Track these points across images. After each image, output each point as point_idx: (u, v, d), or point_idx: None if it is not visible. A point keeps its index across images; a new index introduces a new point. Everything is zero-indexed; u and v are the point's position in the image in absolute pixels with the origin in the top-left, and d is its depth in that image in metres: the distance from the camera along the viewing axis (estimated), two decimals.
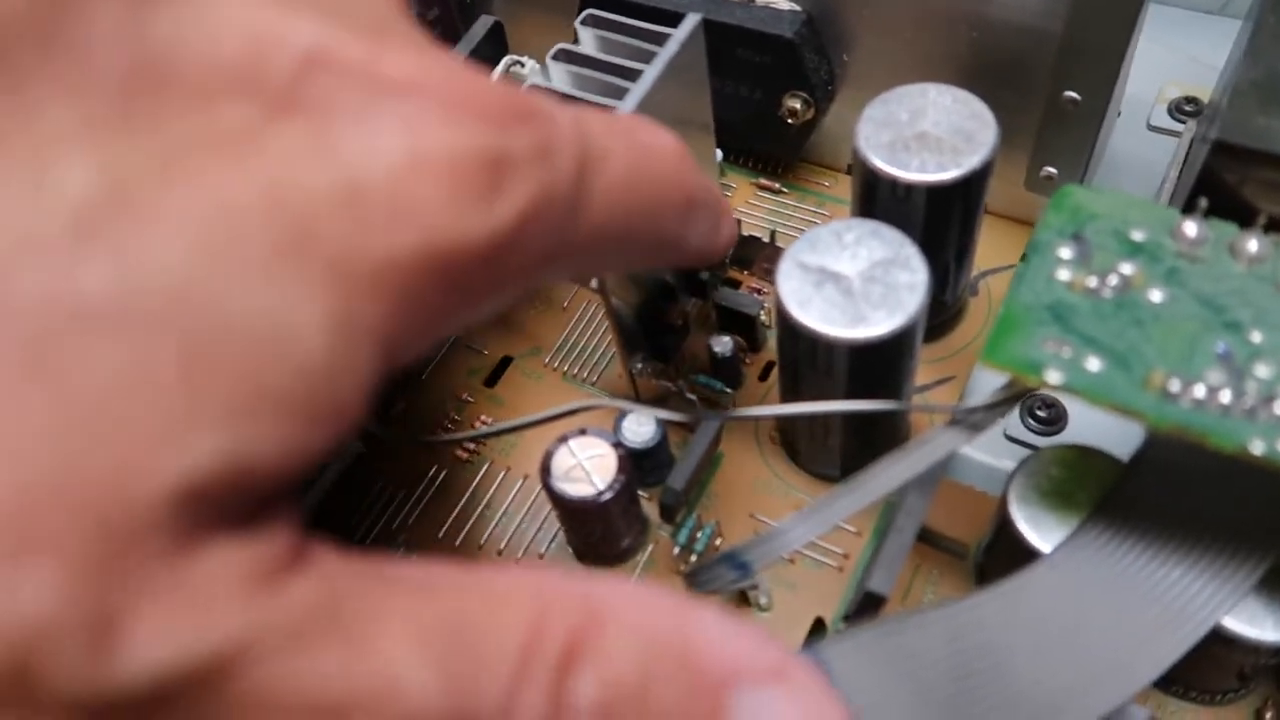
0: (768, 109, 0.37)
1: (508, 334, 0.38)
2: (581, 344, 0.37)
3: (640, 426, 0.31)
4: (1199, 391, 0.21)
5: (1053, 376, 0.22)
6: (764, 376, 0.35)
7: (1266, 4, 0.27)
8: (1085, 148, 0.33)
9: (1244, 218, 0.26)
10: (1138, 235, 0.24)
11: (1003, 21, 0.32)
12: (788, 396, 0.31)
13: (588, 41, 0.30)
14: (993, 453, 0.34)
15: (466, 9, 0.37)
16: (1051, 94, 0.32)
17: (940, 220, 0.30)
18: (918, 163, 0.29)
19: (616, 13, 0.36)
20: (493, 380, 0.37)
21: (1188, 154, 0.37)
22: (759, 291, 0.37)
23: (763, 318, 0.35)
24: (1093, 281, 0.23)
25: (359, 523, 0.34)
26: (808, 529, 0.23)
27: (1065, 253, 0.24)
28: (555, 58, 0.29)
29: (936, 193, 0.29)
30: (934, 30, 0.33)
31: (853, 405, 0.25)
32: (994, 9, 0.32)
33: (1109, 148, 0.41)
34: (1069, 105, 0.32)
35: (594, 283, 0.30)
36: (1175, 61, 0.44)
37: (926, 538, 0.32)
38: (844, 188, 0.40)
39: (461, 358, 0.38)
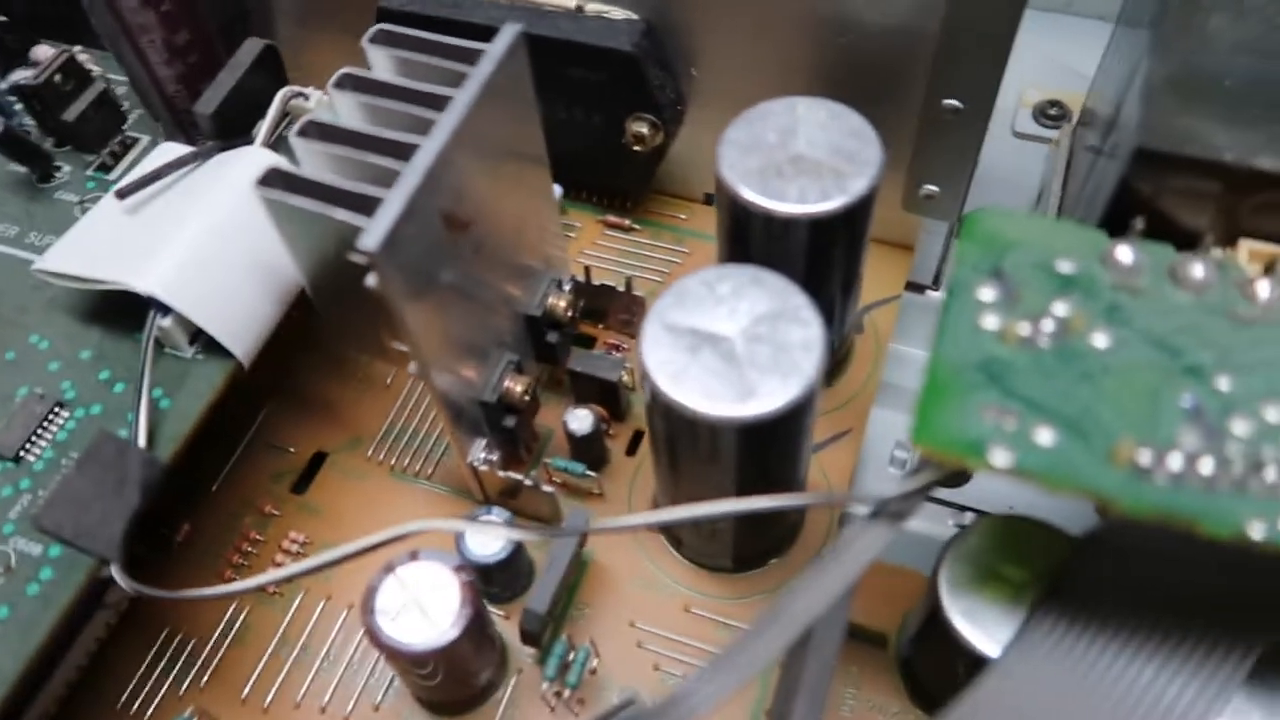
0: (610, 136, 0.32)
1: (319, 424, 0.31)
2: (411, 429, 0.31)
3: (488, 535, 0.25)
4: (1175, 462, 0.17)
5: (999, 458, 0.18)
6: (632, 450, 0.30)
7: None
8: (968, 161, 0.30)
9: (1161, 235, 0.23)
10: (1065, 266, 0.20)
11: (869, 23, 0.28)
12: (664, 480, 0.26)
13: (380, 64, 0.24)
14: None
15: (229, 30, 0.30)
16: (929, 103, 0.28)
17: (824, 255, 0.26)
18: (796, 191, 0.24)
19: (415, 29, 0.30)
20: (303, 484, 0.30)
21: (1068, 163, 0.34)
22: (617, 348, 0.32)
23: (625, 379, 0.30)
24: (1025, 328, 0.19)
25: (137, 690, 0.26)
26: (722, 685, 0.18)
27: (987, 294, 0.20)
28: (339, 85, 0.23)
29: (820, 224, 0.24)
30: (790, 36, 0.29)
31: (749, 504, 0.20)
32: (858, 8, 0.27)
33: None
34: (949, 114, 0.28)
35: (411, 365, 0.24)
36: (1030, 61, 0.42)
37: None
38: (703, 219, 0.35)
39: (263, 458, 0.30)
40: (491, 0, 0.31)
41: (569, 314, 0.29)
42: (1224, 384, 0.18)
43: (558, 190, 0.32)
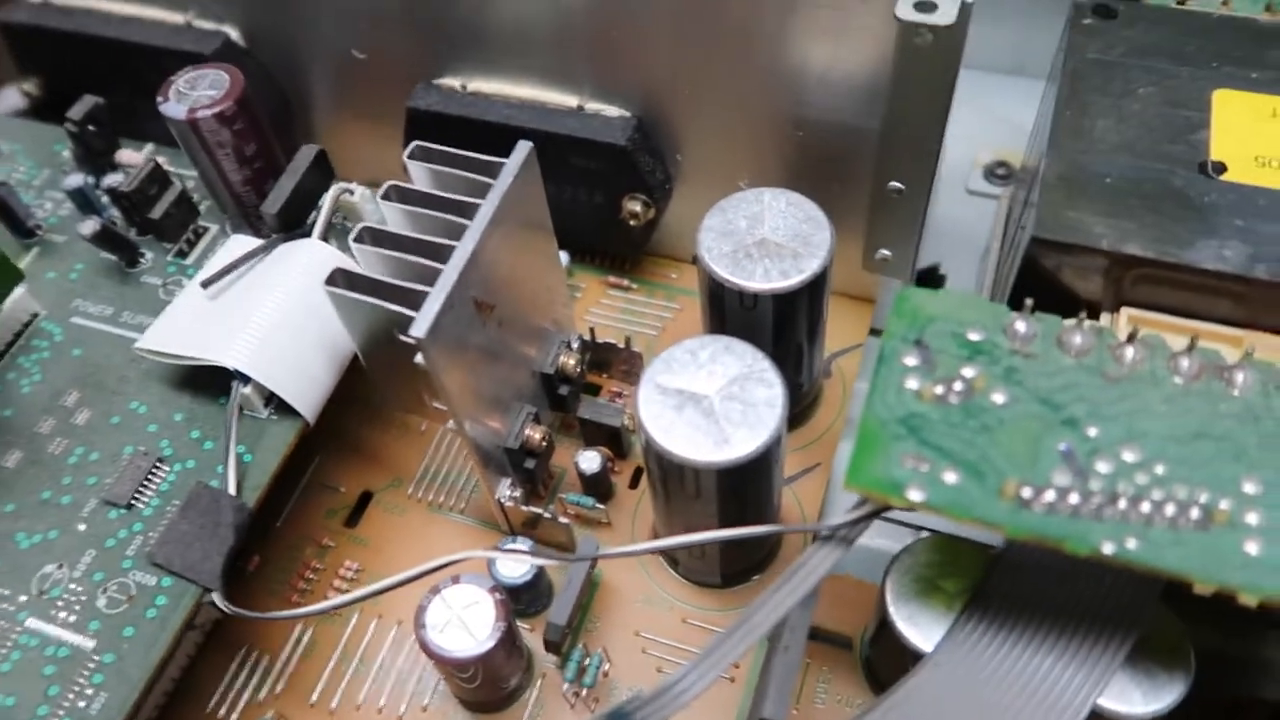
0: (609, 212, 0.37)
1: (365, 467, 0.36)
2: (445, 471, 0.36)
3: (515, 562, 0.30)
4: (1049, 496, 0.22)
5: (914, 495, 0.22)
6: (634, 484, 0.35)
7: (1061, 100, 0.29)
8: (913, 231, 0.35)
9: (1064, 301, 0.28)
10: (974, 335, 0.25)
11: (824, 122, 0.33)
12: (660, 512, 0.31)
13: (419, 176, 0.29)
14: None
15: (286, 136, 0.35)
16: (877, 186, 0.34)
17: (788, 320, 0.31)
18: (761, 270, 0.29)
19: (444, 129, 0.36)
20: (354, 519, 0.35)
21: (1007, 220, 0.39)
22: (619, 395, 0.37)
23: (627, 424, 0.35)
24: (939, 389, 0.24)
25: (223, 697, 0.31)
26: (700, 676, 0.22)
27: (910, 360, 0.25)
28: (386, 196, 0.28)
29: (782, 297, 0.29)
30: (761, 131, 0.34)
31: (726, 534, 0.25)
32: (814, 111, 0.33)
33: (934, 214, 0.43)
34: (894, 194, 0.33)
35: (450, 421, 0.29)
36: (983, 123, 0.47)
37: (810, 634, 0.32)
38: (691, 278, 0.40)
39: (317, 498, 0.36)
40: (505, 101, 0.36)
41: (577, 369, 0.34)
42: (1092, 432, 0.23)
43: (565, 257, 0.37)
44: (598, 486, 0.34)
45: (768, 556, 0.33)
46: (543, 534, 0.33)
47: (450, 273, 0.26)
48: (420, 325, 0.25)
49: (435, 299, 0.25)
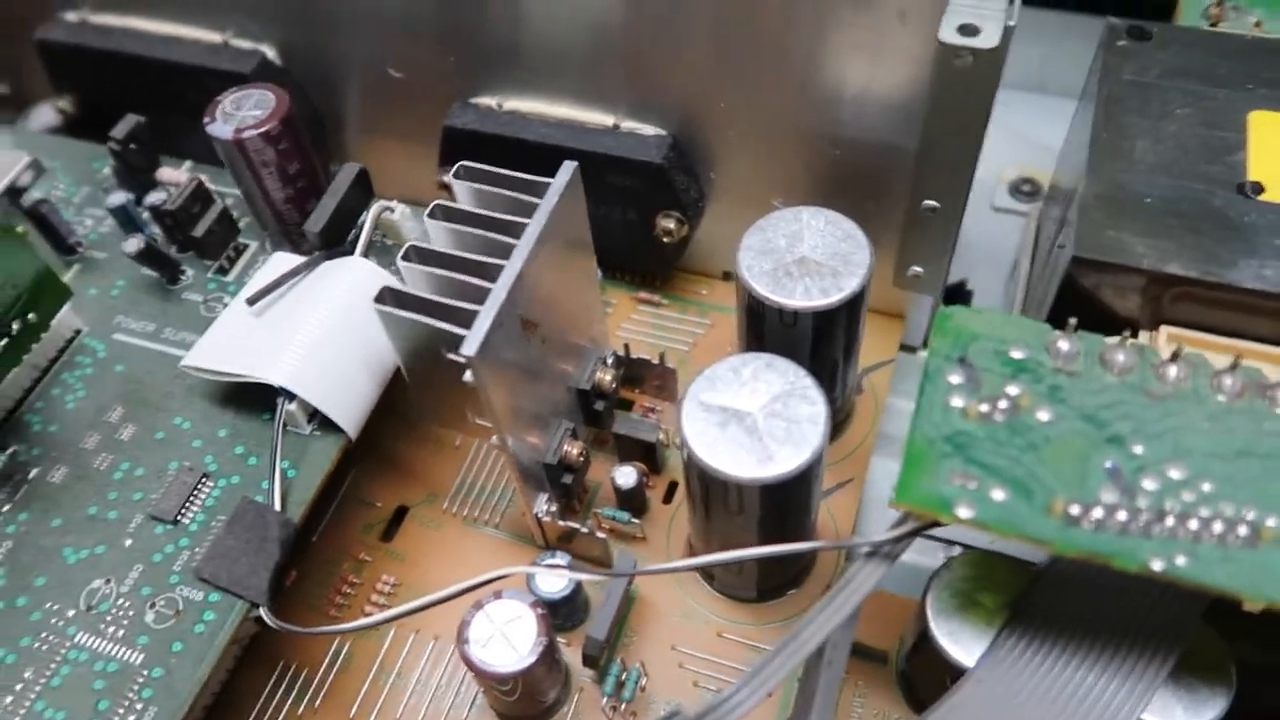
0: (642, 229, 0.38)
1: (400, 482, 0.36)
2: (479, 485, 0.36)
3: (554, 577, 0.31)
4: (1097, 513, 0.22)
5: (963, 512, 0.23)
6: (668, 498, 0.35)
7: (1098, 121, 0.29)
8: (946, 248, 0.35)
9: (1102, 319, 0.28)
10: (1017, 353, 0.25)
11: (859, 141, 0.33)
12: (698, 527, 0.31)
13: (463, 195, 0.29)
14: None
15: (320, 154, 0.36)
16: (911, 203, 0.34)
17: (827, 337, 0.31)
18: (802, 289, 0.30)
19: (480, 148, 0.36)
20: (390, 534, 0.35)
21: (1037, 238, 0.39)
22: (652, 410, 0.37)
23: (661, 438, 0.35)
24: (984, 407, 0.24)
25: (262, 712, 0.31)
26: (750, 693, 0.23)
27: (955, 379, 0.25)
28: (432, 215, 0.29)
29: (822, 315, 0.30)
30: (795, 149, 0.34)
31: (771, 550, 0.25)
32: (849, 130, 0.33)
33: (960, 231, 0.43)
34: (928, 212, 0.34)
35: (493, 438, 0.29)
36: (1007, 140, 0.47)
37: None
38: (722, 294, 0.41)
39: (354, 513, 0.36)
40: (541, 120, 0.36)
41: (613, 385, 0.34)
42: (1138, 449, 0.23)
43: (598, 273, 0.37)
44: (633, 501, 0.34)
45: (803, 571, 0.33)
46: (578, 548, 0.34)
47: (499, 291, 0.26)
48: (471, 344, 0.25)
49: (485, 317, 0.26)
